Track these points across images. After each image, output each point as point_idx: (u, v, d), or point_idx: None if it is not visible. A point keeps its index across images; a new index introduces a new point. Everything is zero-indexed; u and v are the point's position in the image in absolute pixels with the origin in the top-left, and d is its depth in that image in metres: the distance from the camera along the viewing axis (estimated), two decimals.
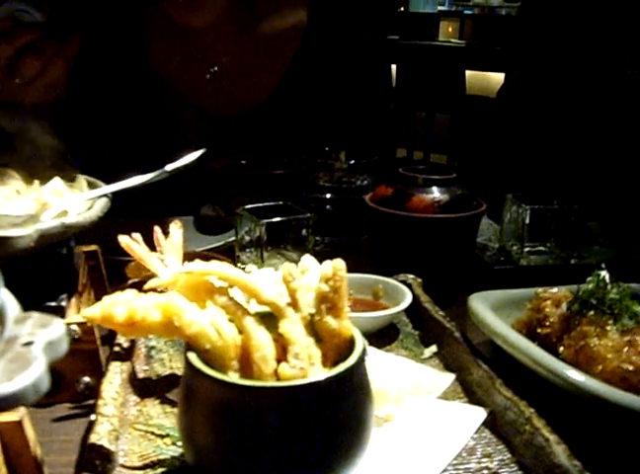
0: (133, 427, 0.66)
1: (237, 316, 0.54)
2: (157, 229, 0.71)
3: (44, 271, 0.75)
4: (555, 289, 0.82)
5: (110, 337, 0.77)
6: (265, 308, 0.56)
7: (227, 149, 1.29)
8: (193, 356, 0.53)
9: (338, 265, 0.55)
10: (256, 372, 0.52)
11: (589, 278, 0.77)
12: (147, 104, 1.37)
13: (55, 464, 0.61)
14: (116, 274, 0.88)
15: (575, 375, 0.65)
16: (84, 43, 1.11)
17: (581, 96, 1.58)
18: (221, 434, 0.52)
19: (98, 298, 0.54)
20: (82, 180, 0.86)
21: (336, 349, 0.55)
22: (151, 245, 0.70)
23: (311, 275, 0.58)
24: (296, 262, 0.59)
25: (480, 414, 0.69)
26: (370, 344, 0.74)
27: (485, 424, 0.68)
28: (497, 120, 1.89)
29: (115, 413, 0.63)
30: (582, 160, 1.52)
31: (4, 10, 1.07)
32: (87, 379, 0.71)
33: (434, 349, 0.83)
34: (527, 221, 1.06)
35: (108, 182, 0.84)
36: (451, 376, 0.76)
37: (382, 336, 0.86)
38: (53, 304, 0.73)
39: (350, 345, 0.55)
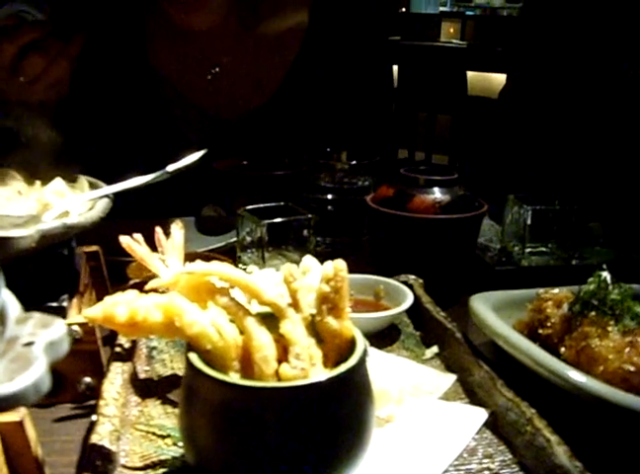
0: (135, 427, 0.66)
1: (238, 317, 0.54)
2: (158, 230, 0.71)
3: (46, 271, 0.75)
4: (556, 290, 0.82)
5: (111, 337, 0.77)
6: (266, 309, 0.56)
7: (229, 150, 1.29)
8: (194, 357, 0.53)
9: (339, 265, 0.55)
10: (257, 373, 0.52)
11: (590, 279, 0.77)
12: (149, 104, 1.37)
13: (56, 464, 0.61)
14: (117, 274, 0.88)
15: (576, 376, 0.65)
16: (86, 44, 1.11)
17: (582, 97, 1.58)
18: (222, 435, 0.52)
19: (99, 299, 0.54)
20: (83, 180, 0.86)
21: (337, 349, 0.55)
22: (152, 245, 0.70)
23: (312, 275, 0.58)
24: (298, 262, 0.59)
25: (481, 415, 0.68)
26: (371, 344, 0.74)
27: (486, 424, 0.67)
28: (498, 121, 1.89)
29: (116, 413, 0.63)
30: (583, 161, 1.52)
31: (5, 11, 1.08)
32: (88, 380, 0.71)
33: (435, 349, 0.83)
34: (529, 222, 1.05)
35: (109, 182, 0.84)
36: (452, 377, 0.76)
37: (383, 336, 0.86)
38: (55, 305, 0.73)
39: (351, 345, 0.55)
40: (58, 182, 0.83)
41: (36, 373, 0.36)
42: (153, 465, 0.61)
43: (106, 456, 0.58)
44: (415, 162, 4.36)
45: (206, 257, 0.76)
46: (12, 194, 0.80)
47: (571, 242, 1.09)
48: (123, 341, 0.76)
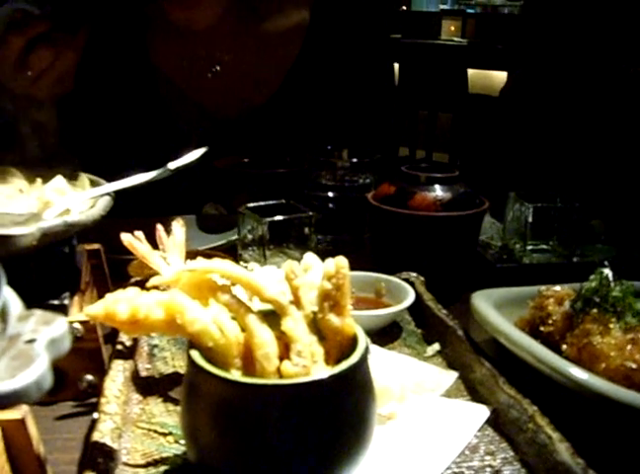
0: (136, 425, 0.66)
1: (240, 314, 0.54)
2: (159, 227, 0.71)
3: (47, 269, 0.75)
4: (558, 287, 0.82)
5: (112, 335, 0.77)
6: (267, 306, 0.56)
7: (230, 148, 1.29)
8: (195, 354, 0.53)
9: (340, 262, 0.55)
10: (258, 370, 0.52)
11: (592, 276, 0.77)
12: (150, 102, 1.37)
13: (58, 462, 0.61)
14: (118, 272, 0.88)
15: (578, 373, 0.65)
16: (88, 42, 1.11)
17: (583, 94, 1.58)
18: (224, 432, 0.52)
19: (100, 297, 0.54)
20: (84, 178, 0.86)
21: (339, 346, 0.55)
22: (154, 243, 0.70)
23: (314, 272, 0.58)
24: (299, 260, 0.59)
25: (483, 412, 0.68)
26: (373, 342, 0.74)
27: (488, 422, 0.67)
28: (499, 119, 1.89)
29: (117, 411, 0.63)
30: (584, 158, 1.52)
31: (4, 10, 1.07)
32: (90, 377, 0.71)
33: (436, 347, 0.83)
34: (530, 219, 1.05)
35: (110, 180, 0.84)
36: (454, 374, 0.76)
37: (385, 334, 0.85)
38: (56, 302, 0.73)
39: (352, 342, 0.55)
40: (59, 179, 0.83)
41: (38, 370, 0.36)
42: (155, 463, 0.61)
43: (107, 454, 0.58)
44: (415, 160, 4.36)
45: (208, 255, 0.76)
46: (13, 191, 0.80)
47: (572, 239, 1.09)
48: (125, 338, 0.76)
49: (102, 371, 0.71)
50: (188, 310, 0.52)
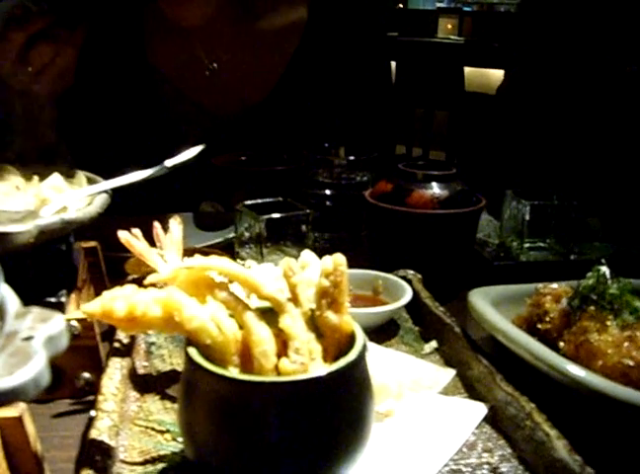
0: (134, 422, 0.66)
1: (237, 311, 0.54)
2: (157, 225, 0.71)
3: (44, 267, 0.74)
4: (555, 285, 0.82)
5: (109, 333, 0.77)
6: (265, 303, 0.56)
7: (227, 145, 1.29)
8: (193, 352, 0.53)
9: (338, 259, 0.55)
10: (256, 367, 0.52)
11: (589, 274, 0.77)
12: (147, 100, 1.37)
13: (56, 460, 0.61)
14: (115, 270, 0.88)
15: (575, 370, 0.65)
16: (85, 41, 1.10)
17: (580, 92, 1.58)
18: (222, 430, 0.52)
19: (97, 295, 0.54)
20: (81, 176, 0.86)
21: (336, 344, 0.55)
22: (151, 241, 0.69)
23: (311, 270, 0.58)
24: (296, 258, 0.59)
25: (481, 409, 0.69)
26: (370, 339, 0.74)
27: (485, 419, 0.67)
28: (496, 117, 1.89)
29: (115, 409, 0.63)
30: (581, 156, 1.52)
31: (4, 5, 1.07)
32: (87, 375, 0.71)
33: (434, 344, 0.83)
34: (527, 217, 1.06)
35: (107, 178, 0.84)
36: (452, 372, 0.76)
37: (382, 331, 0.85)
38: (53, 300, 0.73)
39: (350, 340, 0.55)
40: (56, 177, 0.83)
41: (35, 368, 0.36)
42: (152, 460, 0.61)
43: (105, 451, 0.58)
44: (412, 158, 4.36)
45: (205, 252, 0.76)
46: (10, 189, 0.80)
47: (569, 237, 1.09)
48: (122, 336, 0.76)
49: (99, 369, 0.71)
50: (185, 307, 0.52)
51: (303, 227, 0.98)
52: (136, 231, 0.68)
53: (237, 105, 1.38)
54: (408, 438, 0.64)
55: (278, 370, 0.52)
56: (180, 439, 0.63)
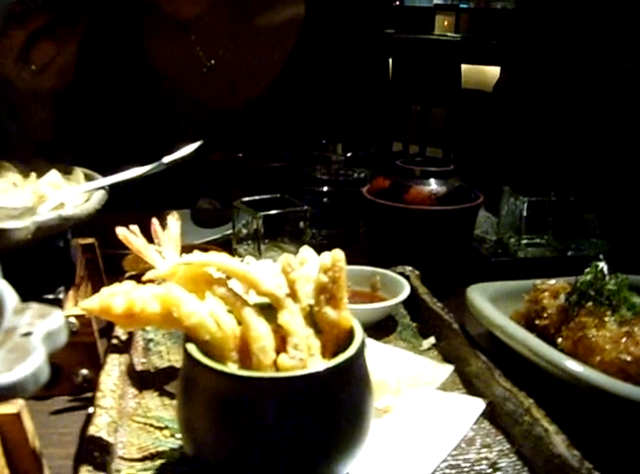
0: (132, 419, 0.66)
1: (236, 307, 0.54)
2: (155, 221, 0.71)
3: (42, 263, 0.74)
4: (553, 281, 0.82)
5: (108, 329, 0.77)
6: (264, 299, 0.55)
7: (224, 142, 1.29)
8: (192, 347, 0.52)
9: (337, 255, 0.55)
10: (255, 363, 0.52)
11: (587, 270, 0.77)
12: (144, 97, 1.36)
13: (54, 456, 0.61)
14: (113, 267, 0.88)
15: (573, 366, 0.65)
16: (84, 39, 1.10)
17: (577, 89, 1.58)
18: (220, 425, 0.52)
19: (95, 291, 0.54)
20: (79, 172, 0.86)
21: (335, 339, 0.55)
22: (148, 238, 0.69)
23: (310, 265, 0.58)
24: (294, 254, 0.59)
25: (479, 405, 0.69)
26: (369, 336, 0.74)
27: (484, 414, 0.68)
28: (493, 114, 1.89)
29: (113, 405, 0.63)
30: (579, 153, 1.52)
31: (2, 3, 1.07)
32: (85, 372, 0.71)
33: (432, 340, 0.83)
34: (525, 213, 1.06)
35: (105, 174, 0.84)
36: (450, 368, 0.76)
37: (380, 328, 0.86)
38: (51, 297, 0.73)
39: (349, 335, 0.55)
40: (54, 173, 0.82)
41: (34, 363, 0.36)
42: (151, 457, 0.61)
43: (103, 448, 0.58)
44: (409, 155, 4.36)
45: (203, 249, 0.76)
46: (7, 185, 0.80)
47: (567, 233, 1.09)
48: (120, 333, 0.76)
49: (97, 366, 0.71)
50: (184, 303, 0.52)
51: (301, 224, 0.98)
52: (134, 227, 0.68)
53: (235, 101, 1.38)
54: (407, 434, 0.64)
55: (276, 366, 0.52)
56: (178, 436, 0.63)
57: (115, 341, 0.74)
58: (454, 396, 0.72)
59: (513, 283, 0.88)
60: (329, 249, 0.56)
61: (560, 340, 0.74)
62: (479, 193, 1.02)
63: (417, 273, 0.94)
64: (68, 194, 0.78)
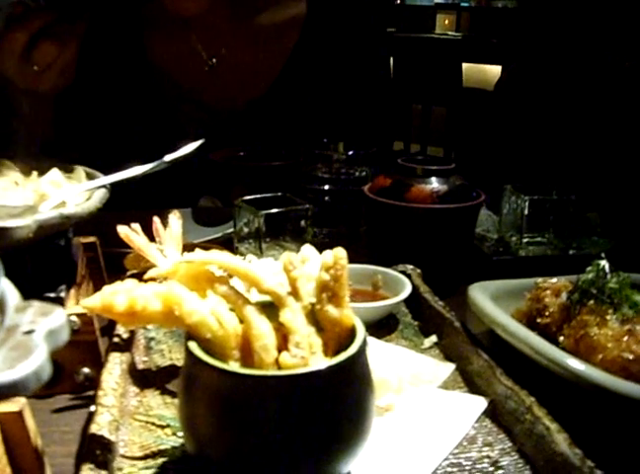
0: (134, 417, 0.66)
1: (238, 305, 0.54)
2: (156, 219, 0.71)
3: (43, 262, 0.74)
4: (555, 279, 0.82)
5: (109, 328, 0.77)
6: (265, 297, 0.55)
7: (226, 141, 1.29)
8: (193, 346, 0.52)
9: (339, 253, 0.55)
10: (257, 361, 0.52)
11: (589, 268, 0.77)
12: (146, 96, 1.36)
13: (56, 455, 0.61)
14: (114, 265, 0.88)
15: (575, 364, 0.65)
16: (85, 38, 1.10)
17: (578, 88, 1.58)
18: (222, 424, 0.52)
19: (96, 290, 0.54)
20: (80, 171, 0.86)
21: (337, 338, 0.55)
22: (150, 236, 0.69)
23: (312, 264, 0.58)
24: (295, 253, 0.59)
25: (481, 403, 0.69)
26: (370, 334, 0.73)
27: (486, 413, 0.68)
28: (494, 113, 1.89)
29: (115, 403, 0.63)
30: (580, 151, 1.52)
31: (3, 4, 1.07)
32: (87, 370, 0.71)
33: (433, 339, 0.83)
34: (526, 212, 1.05)
35: (106, 173, 0.84)
36: (451, 366, 0.76)
37: (382, 326, 0.85)
38: (52, 295, 0.73)
39: (351, 334, 0.55)
40: (55, 172, 0.82)
41: (37, 361, 0.36)
42: (153, 455, 0.61)
43: (105, 446, 0.58)
44: (410, 154, 4.36)
45: (204, 248, 0.76)
46: (8, 184, 0.80)
47: (568, 232, 1.09)
48: (122, 331, 0.76)
49: (99, 364, 0.71)
50: (185, 302, 0.52)
51: (302, 222, 0.98)
52: (136, 226, 0.68)
53: (236, 100, 1.38)
54: (408, 433, 0.64)
55: (278, 364, 0.52)
56: (180, 434, 0.63)
57: (116, 339, 0.74)
58: (456, 394, 0.72)
59: (514, 282, 0.87)
60: (330, 247, 0.56)
61: (562, 338, 0.74)
62: (480, 191, 1.01)
63: (418, 271, 0.94)
64: (69, 192, 0.78)
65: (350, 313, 0.55)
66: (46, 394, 0.70)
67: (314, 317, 0.55)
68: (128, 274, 0.82)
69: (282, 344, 0.53)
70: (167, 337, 0.81)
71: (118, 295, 0.52)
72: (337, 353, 0.53)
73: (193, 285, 0.55)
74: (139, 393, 0.70)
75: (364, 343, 0.54)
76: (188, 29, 1.33)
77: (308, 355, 0.53)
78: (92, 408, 0.63)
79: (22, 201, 0.76)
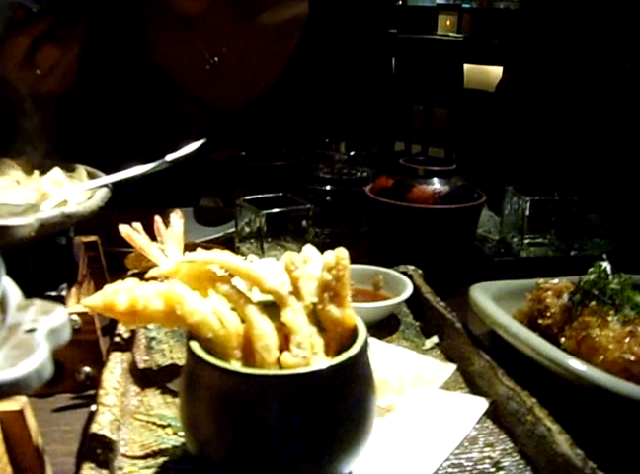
0: (134, 417, 0.66)
1: (239, 305, 0.54)
2: (158, 219, 0.71)
3: (44, 261, 0.74)
4: (556, 280, 0.82)
5: (110, 327, 0.77)
6: (267, 297, 0.55)
7: (227, 140, 1.29)
8: (195, 345, 0.52)
9: (340, 253, 0.55)
10: (258, 361, 0.52)
11: (590, 269, 0.77)
12: (148, 95, 1.36)
13: (56, 454, 0.61)
14: (115, 264, 0.88)
15: (577, 365, 0.65)
16: (87, 37, 1.10)
17: (580, 89, 1.58)
18: (223, 423, 0.52)
19: (97, 289, 0.54)
20: (82, 170, 0.86)
21: (339, 338, 0.55)
22: (151, 236, 0.69)
23: (313, 264, 0.58)
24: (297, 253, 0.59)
25: (482, 404, 0.68)
26: (371, 334, 0.73)
27: (487, 414, 0.67)
28: (495, 114, 1.89)
29: (115, 403, 0.63)
30: (581, 152, 1.52)
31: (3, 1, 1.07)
32: (87, 369, 0.71)
33: (435, 339, 0.83)
34: (528, 213, 1.06)
35: (108, 172, 0.84)
36: (453, 367, 0.76)
37: (383, 327, 0.85)
38: (54, 294, 0.73)
39: (352, 334, 0.55)
40: (57, 171, 0.82)
41: (38, 359, 0.36)
42: (153, 454, 0.61)
43: (106, 445, 0.57)
44: (411, 155, 4.36)
45: (205, 247, 0.76)
46: (10, 183, 0.80)
47: (569, 233, 1.09)
48: (123, 330, 0.76)
49: (100, 363, 0.71)
50: (187, 301, 0.52)
51: (304, 222, 0.98)
52: (137, 225, 0.68)
53: (238, 99, 1.38)
54: (410, 433, 0.64)
55: (279, 364, 0.52)
56: (181, 434, 0.63)
57: (117, 338, 0.74)
58: (457, 395, 0.71)
59: (515, 283, 0.87)
60: (331, 248, 0.56)
61: (563, 339, 0.74)
62: (482, 192, 1.01)
63: (420, 272, 0.94)
64: (71, 191, 0.78)
65: (351, 313, 0.55)
66: (47, 393, 0.70)
67: (316, 317, 0.55)
68: (130, 273, 0.82)
69: (284, 343, 0.53)
70: (168, 336, 0.81)
71: (119, 294, 0.52)
72: (338, 353, 0.53)
73: (194, 285, 0.55)
74: (140, 392, 0.70)
75: (366, 343, 0.54)
76: (190, 28, 1.33)
77: (310, 355, 0.53)
78: (93, 407, 0.63)
79: (23, 200, 0.76)
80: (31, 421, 0.51)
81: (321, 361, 0.53)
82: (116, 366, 0.69)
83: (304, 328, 0.54)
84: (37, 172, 0.84)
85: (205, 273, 0.55)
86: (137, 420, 0.65)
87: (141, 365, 0.75)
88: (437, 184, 0.98)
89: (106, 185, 0.80)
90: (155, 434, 0.63)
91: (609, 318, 0.72)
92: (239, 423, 0.51)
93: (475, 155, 2.15)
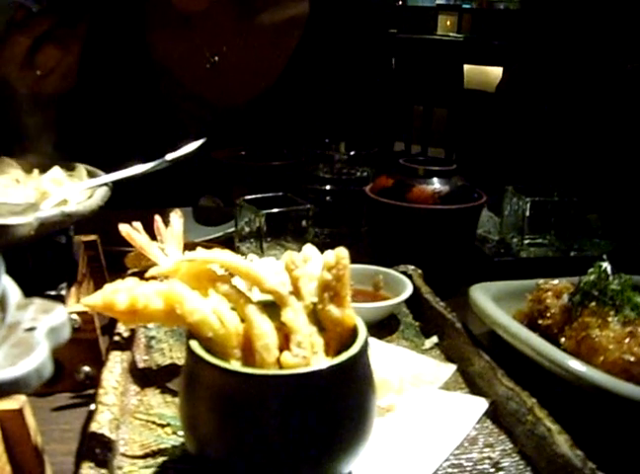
0: (134, 416, 0.66)
1: (239, 304, 0.54)
2: (157, 218, 0.70)
3: (44, 260, 0.74)
4: (556, 281, 0.82)
5: (110, 326, 0.77)
6: (267, 297, 0.55)
7: (227, 140, 1.28)
8: (195, 344, 0.52)
9: (341, 253, 0.55)
10: (258, 361, 0.52)
11: (590, 270, 0.77)
12: (148, 93, 1.36)
13: (56, 453, 0.61)
14: (115, 264, 0.88)
15: (576, 366, 0.65)
16: (88, 36, 1.10)
17: (580, 89, 1.58)
18: (223, 423, 0.52)
19: (97, 288, 0.54)
20: (82, 169, 0.86)
21: (339, 337, 0.55)
22: (151, 235, 0.69)
23: (313, 263, 0.58)
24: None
25: (482, 404, 0.68)
26: (371, 334, 0.73)
27: (487, 414, 0.67)
28: (495, 115, 1.89)
29: (115, 402, 0.63)
30: (581, 153, 1.52)
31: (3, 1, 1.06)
32: (87, 369, 0.71)
33: (434, 339, 0.83)
34: (527, 213, 1.05)
35: (108, 171, 0.83)
36: (452, 367, 0.76)
37: (383, 327, 0.85)
38: (53, 293, 0.73)
39: (352, 333, 0.55)
40: (56, 170, 0.82)
41: (38, 358, 0.36)
42: (153, 454, 0.61)
43: (105, 445, 0.57)
44: (411, 155, 4.36)
45: (205, 247, 0.76)
46: (10, 182, 0.80)
47: (569, 233, 1.09)
48: (122, 330, 0.76)
49: (99, 363, 0.70)
50: (187, 300, 0.52)
51: (303, 222, 0.98)
52: (137, 224, 0.68)
53: (238, 98, 1.38)
54: (409, 433, 0.64)
55: (279, 364, 0.52)
56: (180, 433, 0.62)
57: (117, 338, 0.74)
58: (457, 395, 0.71)
59: (515, 283, 0.87)
60: (331, 248, 0.56)
61: (563, 339, 0.74)
62: (482, 192, 1.01)
63: (419, 272, 0.94)
64: (71, 190, 0.78)
65: (351, 313, 0.55)
66: (47, 392, 0.70)
67: (316, 317, 0.55)
68: (129, 272, 0.82)
69: (284, 343, 0.53)
70: (168, 336, 0.81)
71: (119, 294, 0.52)
72: (338, 352, 0.53)
73: (194, 284, 0.55)
74: (140, 392, 0.70)
75: (366, 343, 0.54)
76: (190, 26, 1.33)
77: (310, 355, 0.52)
78: (92, 406, 0.63)
79: (23, 199, 0.76)
80: (30, 420, 0.51)
81: (321, 361, 0.53)
82: (115, 366, 0.69)
83: (304, 328, 0.54)
84: (36, 171, 0.84)
85: (205, 272, 0.55)
86: (137, 419, 0.65)
87: (141, 365, 0.75)
88: (437, 184, 0.98)
89: (106, 184, 0.80)
90: (155, 433, 0.63)
91: (609, 319, 0.72)
92: (239, 422, 0.51)
93: (475, 155, 2.15)
